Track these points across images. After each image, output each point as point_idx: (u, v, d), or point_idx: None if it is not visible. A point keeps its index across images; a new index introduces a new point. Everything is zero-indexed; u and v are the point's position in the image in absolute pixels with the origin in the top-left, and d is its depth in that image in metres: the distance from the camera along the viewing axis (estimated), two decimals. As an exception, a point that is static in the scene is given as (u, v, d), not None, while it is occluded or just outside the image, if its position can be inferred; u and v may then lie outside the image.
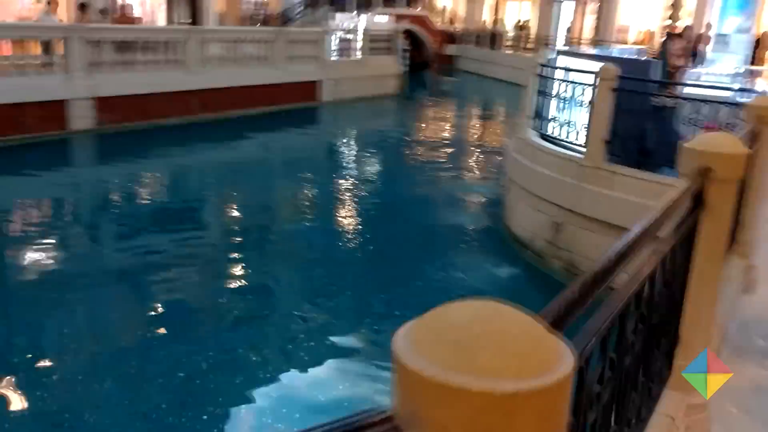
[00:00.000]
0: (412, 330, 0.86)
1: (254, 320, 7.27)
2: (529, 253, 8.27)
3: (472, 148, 18.72)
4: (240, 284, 8.48)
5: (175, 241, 9.86)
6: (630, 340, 1.81)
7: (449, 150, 17.64)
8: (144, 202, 12.81)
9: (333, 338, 6.76)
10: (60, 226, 10.99)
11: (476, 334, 0.82)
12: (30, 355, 6.38)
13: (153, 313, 7.50)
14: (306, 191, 13.38)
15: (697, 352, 2.59)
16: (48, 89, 14.98)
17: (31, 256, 9.13)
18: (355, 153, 18.05)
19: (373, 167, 16.06)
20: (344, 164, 16.41)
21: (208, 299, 7.94)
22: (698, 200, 2.40)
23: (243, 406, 5.61)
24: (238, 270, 8.96)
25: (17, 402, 5.62)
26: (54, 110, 15.14)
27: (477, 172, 15.44)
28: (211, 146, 16.54)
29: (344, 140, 19.69)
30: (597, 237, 7.09)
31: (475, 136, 21.07)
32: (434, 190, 13.11)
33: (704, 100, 6.68)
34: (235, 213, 12.16)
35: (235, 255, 9.49)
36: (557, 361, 0.83)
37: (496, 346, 0.81)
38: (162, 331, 7.03)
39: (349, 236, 10.55)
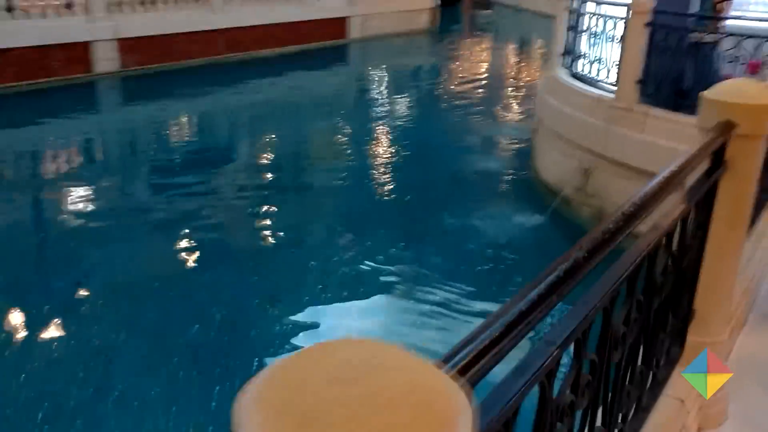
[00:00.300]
0: (259, 391, 0.65)
1: (283, 257, 7.28)
2: (557, 201, 7.95)
3: (507, 87, 18.08)
4: (268, 223, 8.50)
5: (204, 181, 9.88)
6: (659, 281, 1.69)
7: (482, 89, 17.05)
8: (172, 143, 12.80)
9: (354, 280, 6.72)
10: (90, 168, 11.07)
11: (331, 400, 0.61)
12: (72, 288, 6.57)
13: (185, 249, 7.60)
14: (333, 133, 13.14)
15: (713, 327, 2.34)
16: (70, 31, 14.82)
17: (64, 197, 9.28)
18: (384, 93, 17.62)
19: (402, 108, 15.65)
20: (373, 104, 16.04)
21: (237, 237, 8.02)
22: (718, 159, 2.11)
23: (278, 335, 5.66)
24: (266, 210, 8.96)
25: (61, 329, 5.81)
26: (78, 53, 15.02)
27: (510, 113, 14.91)
28: (238, 87, 16.29)
29: (373, 79, 19.22)
30: (628, 184, 6.71)
31: (511, 74, 20.32)
32: (464, 131, 12.72)
33: (748, 35, 6.14)
34: (263, 154, 12.07)
35: (264, 196, 9.48)
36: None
37: (356, 422, 0.60)
38: (196, 266, 7.17)
39: (375, 178, 10.36)
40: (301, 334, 5.82)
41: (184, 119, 14.61)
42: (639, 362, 1.86)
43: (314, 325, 5.99)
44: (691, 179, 2.05)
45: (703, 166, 2.08)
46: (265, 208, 9.03)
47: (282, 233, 8.26)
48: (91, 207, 9.09)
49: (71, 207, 9.06)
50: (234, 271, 6.97)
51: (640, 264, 1.64)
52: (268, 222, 8.62)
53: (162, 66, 16.67)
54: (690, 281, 2.20)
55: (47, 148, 11.94)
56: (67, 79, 14.95)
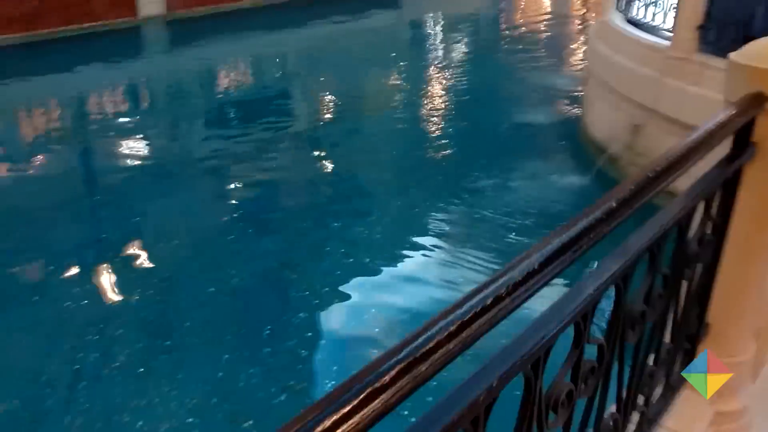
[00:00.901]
0: None
1: (337, 212, 7.14)
2: (605, 158, 7.37)
3: (569, 32, 17.06)
4: (321, 174, 8.42)
5: (257, 128, 9.82)
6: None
7: (545, 33, 16.12)
8: (219, 89, 12.70)
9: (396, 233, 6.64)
10: (135, 115, 11.06)
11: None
12: (125, 238, 6.61)
13: (237, 202, 7.57)
14: (380, 81, 12.75)
15: (732, 345, 1.93)
16: (114, -27, 14.70)
17: (110, 145, 9.35)
18: (437, 38, 16.95)
19: (455, 55, 15.01)
20: (425, 51, 15.47)
21: (292, 188, 7.94)
22: (743, 141, 1.66)
23: (336, 295, 5.50)
24: (319, 160, 8.94)
25: (115, 280, 5.85)
26: (122, -4, 14.92)
27: (569, 61, 14.05)
28: (287, 30, 15.93)
29: (427, 23, 18.49)
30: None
31: (575, 17, 19.14)
32: (517, 81, 12.08)
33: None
34: (315, 100, 11.85)
35: (316, 144, 9.42)
36: None
37: None
38: (248, 220, 7.07)
39: (419, 130, 10.01)
40: (352, 281, 5.72)
41: (232, 64, 14.43)
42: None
43: (365, 273, 5.87)
44: (706, 165, 1.63)
45: (723, 149, 1.64)
46: (313, 158, 8.98)
47: (326, 186, 8.13)
48: (137, 154, 9.18)
49: (117, 154, 9.12)
50: (280, 222, 6.94)
51: (627, 274, 1.27)
52: (311, 173, 8.45)
53: (208, 9, 16.43)
54: (701, 291, 1.78)
55: (92, 95, 12.00)
56: (112, 23, 14.90)
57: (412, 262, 6.09)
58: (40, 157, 9.19)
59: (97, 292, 5.68)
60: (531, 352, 0.98)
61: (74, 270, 6.11)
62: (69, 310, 5.34)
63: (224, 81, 13.38)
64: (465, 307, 0.85)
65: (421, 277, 5.80)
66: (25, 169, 8.81)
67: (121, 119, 10.75)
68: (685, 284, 1.62)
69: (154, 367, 4.76)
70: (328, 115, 10.95)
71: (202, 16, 16.31)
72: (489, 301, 0.87)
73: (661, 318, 1.54)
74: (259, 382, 4.68)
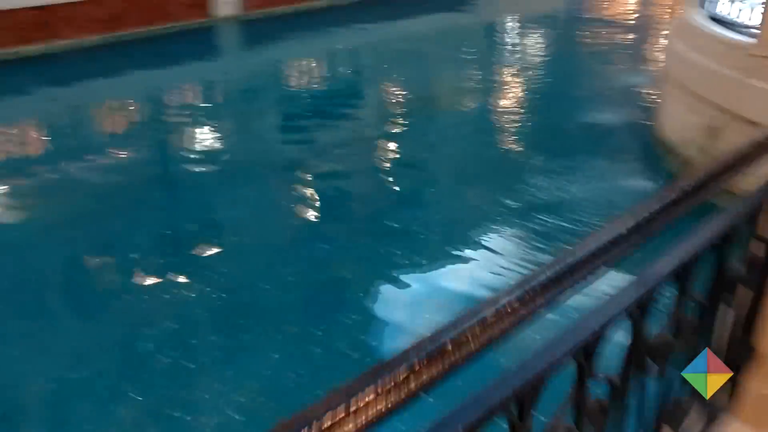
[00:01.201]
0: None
1: (399, 210, 7.19)
2: (677, 162, 7.03)
3: (655, 30, 16.43)
4: (387, 172, 8.46)
5: (331, 126, 10.03)
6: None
7: (625, 32, 15.59)
8: (292, 88, 12.94)
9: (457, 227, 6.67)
10: (211, 113, 11.40)
11: None
12: (190, 232, 6.89)
13: (302, 198, 7.72)
14: (454, 79, 12.68)
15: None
16: (191, -25, 15.15)
17: (186, 142, 9.83)
18: (512, 38, 16.68)
19: (529, 54, 14.72)
20: (499, 50, 15.27)
21: (368, 181, 8.05)
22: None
23: (390, 298, 5.52)
24: (386, 158, 8.97)
25: (176, 274, 6.01)
26: (198, -3, 15.36)
27: (650, 60, 13.53)
28: (360, 30, 16.06)
29: (501, 23, 18.22)
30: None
31: (662, 14, 18.42)
32: (592, 80, 11.79)
33: None
34: (388, 98, 11.93)
35: (391, 139, 9.52)
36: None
37: None
38: (310, 217, 7.27)
39: (490, 128, 9.92)
40: (408, 285, 5.71)
41: (304, 63, 14.65)
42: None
43: (421, 275, 5.85)
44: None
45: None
46: (376, 155, 9.01)
47: (391, 183, 8.14)
48: (209, 151, 9.52)
49: (190, 150, 9.57)
50: (341, 220, 7.03)
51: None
52: (378, 171, 8.51)
53: (283, 9, 16.72)
54: (746, 314, 1.63)
55: (168, 93, 12.45)
56: (188, 23, 15.37)
57: (469, 264, 5.98)
58: (117, 151, 9.58)
59: (157, 285, 5.84)
60: (583, 341, 0.90)
61: (138, 262, 6.32)
62: (129, 301, 5.53)
63: (296, 79, 13.61)
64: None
65: (476, 279, 5.68)
66: (104, 163, 9.20)
67: (195, 116, 11.09)
68: (723, 307, 1.48)
69: (205, 363, 4.85)
70: (397, 114, 10.95)
71: (277, 16, 16.62)
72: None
73: (694, 347, 1.40)
74: (307, 383, 4.68)
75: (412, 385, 0.68)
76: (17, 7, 13.13)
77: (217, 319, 5.32)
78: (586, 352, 0.99)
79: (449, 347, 0.71)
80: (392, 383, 0.68)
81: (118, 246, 6.64)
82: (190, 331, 5.18)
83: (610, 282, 1.15)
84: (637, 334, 1.15)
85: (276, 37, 15.49)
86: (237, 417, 4.34)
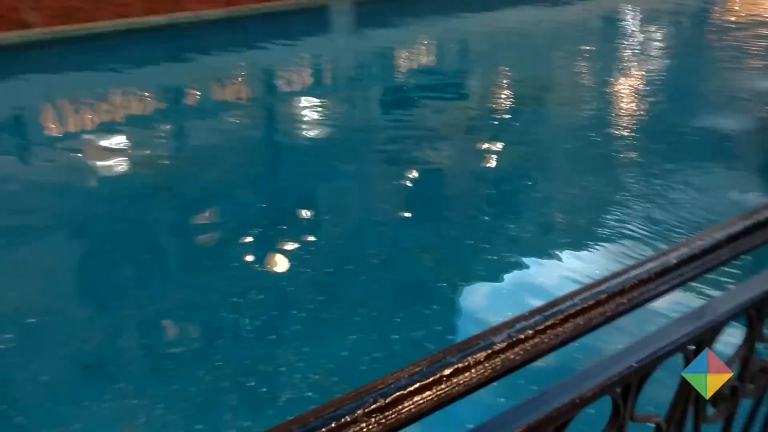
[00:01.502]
0: None
1: (490, 205, 7.13)
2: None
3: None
4: (485, 164, 8.39)
5: (435, 111, 10.06)
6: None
7: (760, 31, 14.59)
8: (399, 71, 13.03)
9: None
10: (317, 92, 11.71)
11: None
12: (284, 207, 7.11)
13: (395, 183, 7.77)
14: (567, 72, 12.37)
15: None
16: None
17: (290, 119, 10.25)
18: (632, 31, 15.98)
19: (650, 49, 14.07)
20: (617, 44, 14.70)
21: (464, 171, 8.06)
22: None
23: (471, 292, 5.49)
24: (486, 150, 8.88)
25: (265, 247, 6.22)
26: (315, -25, 15.66)
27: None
28: (475, 16, 15.95)
29: (622, 14, 17.49)
30: None
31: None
32: (716, 81, 11.14)
33: None
34: (494, 89, 11.80)
35: (487, 133, 9.43)
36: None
37: None
38: (400, 202, 7.27)
39: (597, 126, 9.55)
40: (491, 280, 5.67)
41: (413, 47, 14.69)
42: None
43: (506, 272, 5.79)
44: None
45: None
46: (477, 146, 8.98)
47: (488, 177, 8.06)
48: (312, 128, 9.81)
49: (294, 127, 9.93)
50: (431, 208, 7.00)
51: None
52: (476, 162, 8.45)
53: (396, -9, 16.80)
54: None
55: (278, 69, 12.84)
56: (304, 2, 15.72)
57: (557, 264, 5.82)
58: (224, 124, 10.01)
59: (246, 256, 6.06)
60: (619, 376, 0.86)
61: (229, 233, 6.58)
62: (218, 269, 5.77)
63: (404, 63, 13.66)
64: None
65: (563, 280, 5.52)
66: (208, 135, 9.65)
67: (301, 95, 11.39)
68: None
69: (285, 336, 4.99)
70: (504, 105, 10.81)
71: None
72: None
73: (763, 391, 1.28)
74: (382, 368, 4.72)
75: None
76: (145, -22, 13.87)
77: (299, 294, 5.46)
78: (624, 390, 0.90)
79: (446, 372, 0.68)
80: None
81: (213, 212, 6.97)
82: (273, 303, 5.34)
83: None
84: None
85: (386, 20, 15.59)
86: (310, 394, 4.44)
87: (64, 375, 4.61)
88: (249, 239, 6.44)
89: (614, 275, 0.83)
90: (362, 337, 4.95)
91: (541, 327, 0.73)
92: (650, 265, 0.82)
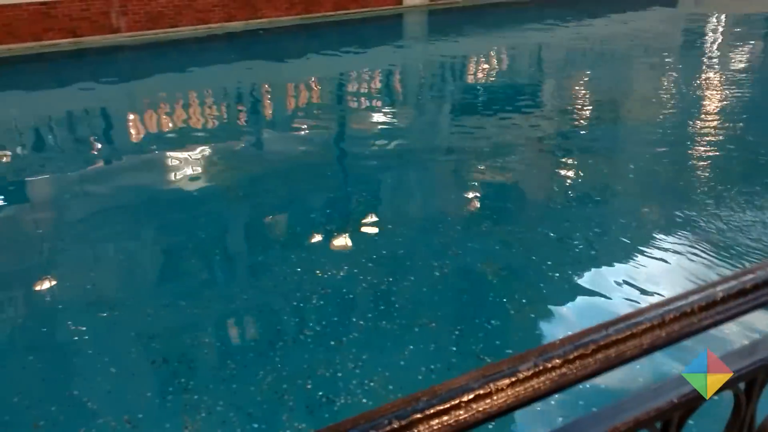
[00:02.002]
0: None
1: (559, 220, 7.01)
2: None
3: None
4: (560, 174, 8.34)
5: (504, 123, 10.09)
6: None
7: None
8: (471, 80, 13.05)
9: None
10: (389, 98, 11.86)
11: None
12: (352, 213, 7.29)
13: (461, 192, 7.83)
14: (645, 84, 12.09)
15: None
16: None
17: (360, 123, 10.54)
18: (716, 41, 15.43)
19: (735, 61, 13.56)
20: (700, 55, 14.23)
21: (530, 184, 8.05)
22: None
23: (532, 310, 5.43)
24: (563, 159, 8.84)
25: (330, 252, 6.36)
26: (390, -15, 15.82)
27: None
28: (548, 26, 15.75)
29: (706, 23, 16.90)
30: None
31: None
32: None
33: None
34: (569, 101, 11.67)
35: (562, 144, 9.37)
36: None
37: None
38: (465, 213, 7.30)
39: (678, 142, 9.30)
40: (554, 298, 5.56)
41: (485, 56, 14.63)
42: None
43: (570, 291, 5.67)
44: None
45: None
46: (548, 159, 8.89)
47: (558, 190, 7.93)
48: (381, 133, 10.01)
49: (362, 131, 10.19)
50: (496, 221, 6.95)
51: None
52: (546, 175, 8.39)
53: (469, 1, 16.77)
54: None
55: (352, 74, 13.04)
56: (378, 10, 15.90)
57: (616, 290, 5.65)
58: (295, 129, 10.24)
59: (309, 261, 6.17)
60: (656, 411, 0.85)
61: (294, 237, 6.73)
62: (283, 273, 5.91)
63: (475, 71, 13.62)
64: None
65: (627, 301, 5.39)
66: (279, 139, 9.90)
67: (369, 102, 11.52)
68: None
69: (344, 343, 5.06)
70: (579, 117, 10.63)
71: (463, 8, 16.69)
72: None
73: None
74: (438, 379, 4.73)
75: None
76: (226, -14, 14.35)
77: (360, 302, 5.53)
78: (664, 426, 0.87)
79: (466, 398, 0.69)
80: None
81: (281, 217, 7.14)
82: (334, 309, 5.42)
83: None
84: (738, 411, 1.01)
85: (459, 27, 15.58)
86: (365, 401, 4.50)
87: (132, 368, 4.82)
88: (313, 244, 6.57)
89: (654, 306, 0.82)
90: (420, 348, 4.97)
91: (570, 357, 0.73)
92: (694, 297, 0.81)
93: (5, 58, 13.46)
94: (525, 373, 0.71)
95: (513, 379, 0.70)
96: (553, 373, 0.72)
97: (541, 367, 0.72)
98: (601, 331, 0.74)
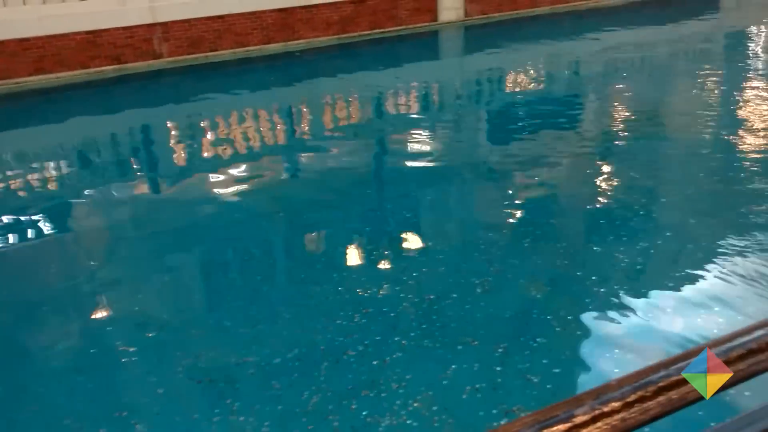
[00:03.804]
0: None
1: (607, 235, 6.90)
2: None
3: None
4: (605, 190, 8.21)
5: (546, 137, 10.00)
6: None
7: None
8: (509, 93, 13.02)
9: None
10: (427, 113, 11.90)
11: None
12: (391, 230, 7.31)
13: (504, 209, 7.71)
14: (693, 93, 11.89)
15: None
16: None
17: (399, 140, 10.57)
18: (763, 50, 15.08)
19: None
20: (750, 63, 13.91)
21: (572, 200, 7.90)
22: None
23: (579, 327, 5.32)
24: (607, 175, 8.65)
25: (371, 270, 6.40)
26: (425, 3, 15.86)
27: None
28: (585, 37, 15.62)
29: (757, 31, 16.53)
30: None
31: None
32: None
33: None
34: (611, 113, 11.57)
35: (606, 159, 9.28)
36: None
37: None
38: (508, 229, 7.23)
39: (722, 156, 9.06)
40: (600, 314, 5.47)
41: (523, 69, 14.58)
42: None
43: (616, 307, 5.56)
44: None
45: None
46: (593, 172, 8.77)
47: (604, 202, 7.86)
48: (421, 149, 10.03)
49: (402, 148, 10.24)
50: (540, 237, 6.85)
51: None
52: (594, 188, 8.24)
53: (504, 15, 16.72)
54: None
55: (388, 91, 13.13)
56: (414, 27, 15.97)
57: (668, 311, 5.50)
58: (333, 146, 10.31)
59: (351, 280, 6.18)
60: None
61: (335, 257, 6.75)
62: (325, 292, 5.92)
63: (513, 85, 13.57)
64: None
65: (683, 324, 5.25)
66: (317, 157, 9.98)
67: (412, 115, 11.57)
68: None
69: (387, 362, 5.04)
70: (618, 132, 10.48)
71: (498, 22, 16.66)
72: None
73: None
74: (483, 399, 4.67)
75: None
76: (264, 8, 14.61)
77: (402, 320, 5.50)
78: None
79: None
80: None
81: (321, 236, 7.18)
82: (376, 328, 5.41)
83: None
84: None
85: (496, 42, 15.57)
86: (410, 422, 4.46)
87: (178, 388, 4.87)
88: (354, 263, 6.58)
89: (717, 342, 0.78)
90: (464, 367, 4.92)
91: (630, 399, 0.69)
92: (759, 332, 0.76)
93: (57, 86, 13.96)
94: (581, 418, 0.67)
95: (569, 425, 0.67)
96: (612, 418, 0.68)
97: (598, 412, 0.69)
98: (661, 371, 0.70)
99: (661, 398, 0.69)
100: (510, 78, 13.95)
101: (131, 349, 5.30)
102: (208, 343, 5.35)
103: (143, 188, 9.33)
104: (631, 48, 15.06)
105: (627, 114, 11.34)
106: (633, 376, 0.71)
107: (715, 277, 5.84)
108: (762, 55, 14.45)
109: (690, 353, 0.75)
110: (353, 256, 6.73)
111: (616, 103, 12.05)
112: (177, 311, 5.97)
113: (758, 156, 8.78)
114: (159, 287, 6.46)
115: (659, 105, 11.73)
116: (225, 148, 10.66)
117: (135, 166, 10.48)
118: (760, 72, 13.11)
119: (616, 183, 8.40)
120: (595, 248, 6.54)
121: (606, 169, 8.90)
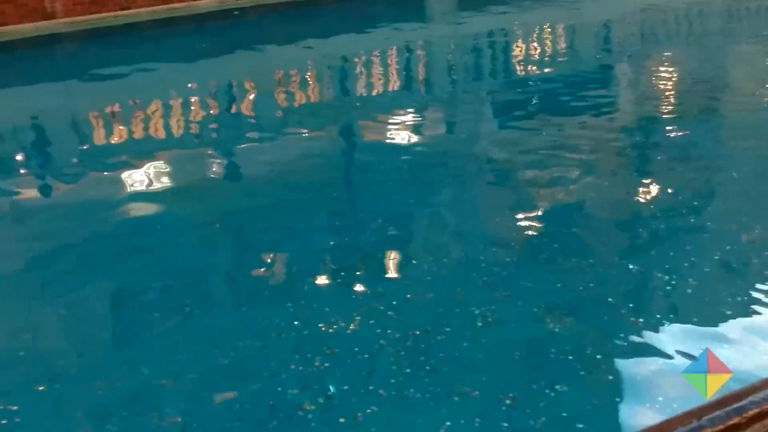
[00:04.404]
0: None
1: (638, 249, 7.10)
2: None
3: None
4: (641, 189, 8.38)
5: (560, 119, 10.28)
6: None
7: None
8: (517, 67, 13.21)
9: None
10: (408, 92, 12.00)
11: None
12: (376, 241, 7.38)
13: (512, 215, 7.86)
14: (755, 64, 12.14)
15: None
16: None
17: (388, 129, 10.71)
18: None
19: None
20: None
21: (602, 203, 8.09)
22: None
23: (607, 371, 5.40)
24: (644, 170, 8.91)
25: (369, 294, 6.44)
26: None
27: None
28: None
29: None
30: None
31: None
32: None
33: None
34: (646, 89, 11.84)
35: (642, 150, 9.53)
36: None
37: None
38: (517, 240, 7.32)
39: None
40: (632, 353, 5.55)
41: (533, 36, 14.77)
42: None
43: (654, 342, 5.66)
44: None
45: None
46: (626, 165, 9.08)
47: (638, 204, 8.07)
48: (408, 141, 10.18)
49: (386, 140, 10.37)
50: (560, 251, 6.97)
51: None
52: (628, 186, 8.46)
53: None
54: None
55: (366, 62, 13.27)
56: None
57: (727, 345, 5.57)
58: (287, 136, 10.35)
59: (312, 310, 6.16)
60: None
61: (290, 276, 6.75)
62: (278, 326, 5.92)
63: (518, 57, 13.72)
64: None
65: (740, 360, 5.32)
66: (274, 147, 10.01)
67: (389, 94, 11.65)
68: None
69: (359, 420, 5.04)
70: (661, 111, 10.68)
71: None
72: None
73: None
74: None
75: None
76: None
77: (379, 364, 5.51)
78: None
79: None
80: None
81: (268, 254, 7.17)
82: (345, 374, 5.40)
83: None
84: None
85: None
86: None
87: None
88: (315, 289, 6.57)
89: (763, 383, 0.80)
90: (461, 424, 4.93)
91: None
92: None
93: None
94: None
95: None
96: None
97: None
98: (692, 422, 0.72)
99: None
100: (511, 46, 14.12)
101: (13, 408, 5.23)
102: (119, 397, 5.29)
103: (28, 193, 9.23)
104: (665, 6, 15.34)
105: (666, 93, 11.53)
106: (654, 428, 0.72)
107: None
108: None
109: (725, 399, 0.77)
110: (314, 280, 6.72)
111: (655, 76, 12.23)
112: (76, 355, 5.91)
113: None
114: (54, 322, 6.39)
115: (710, 81, 11.92)
116: (139, 140, 10.61)
117: (18, 162, 10.39)
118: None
119: (658, 180, 8.52)
120: (630, 266, 6.60)
121: (644, 161, 9.04)
